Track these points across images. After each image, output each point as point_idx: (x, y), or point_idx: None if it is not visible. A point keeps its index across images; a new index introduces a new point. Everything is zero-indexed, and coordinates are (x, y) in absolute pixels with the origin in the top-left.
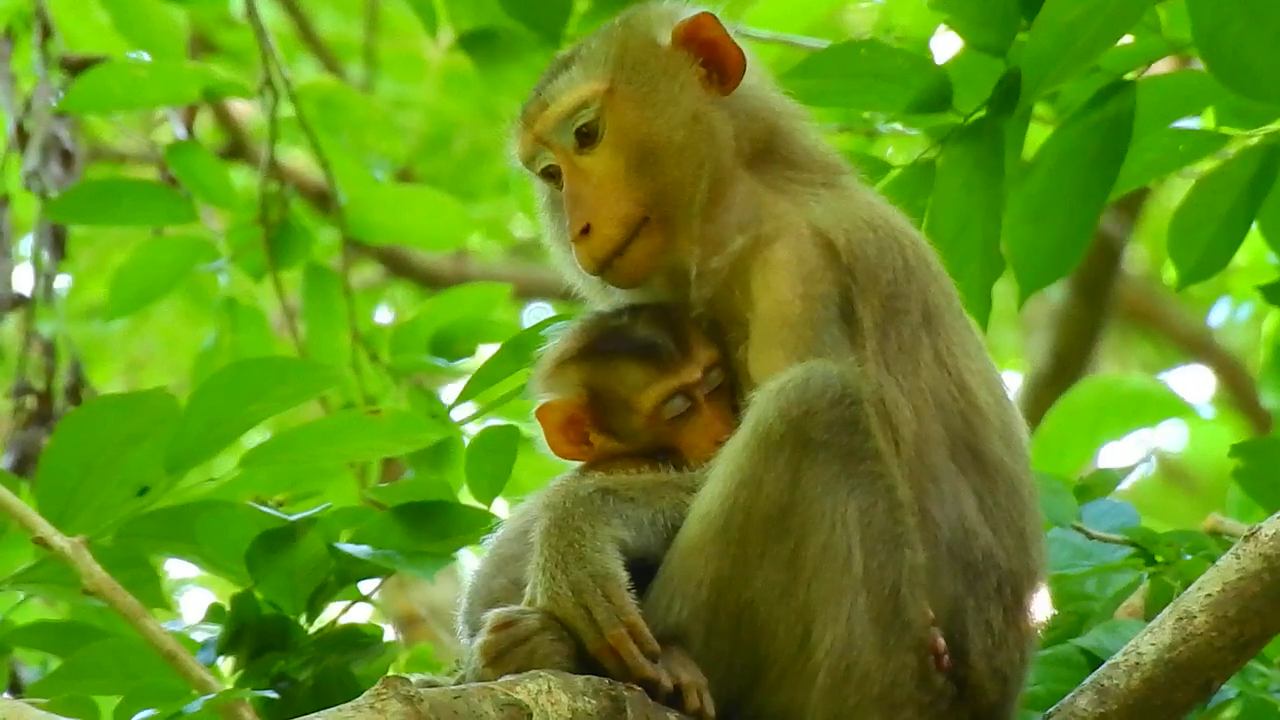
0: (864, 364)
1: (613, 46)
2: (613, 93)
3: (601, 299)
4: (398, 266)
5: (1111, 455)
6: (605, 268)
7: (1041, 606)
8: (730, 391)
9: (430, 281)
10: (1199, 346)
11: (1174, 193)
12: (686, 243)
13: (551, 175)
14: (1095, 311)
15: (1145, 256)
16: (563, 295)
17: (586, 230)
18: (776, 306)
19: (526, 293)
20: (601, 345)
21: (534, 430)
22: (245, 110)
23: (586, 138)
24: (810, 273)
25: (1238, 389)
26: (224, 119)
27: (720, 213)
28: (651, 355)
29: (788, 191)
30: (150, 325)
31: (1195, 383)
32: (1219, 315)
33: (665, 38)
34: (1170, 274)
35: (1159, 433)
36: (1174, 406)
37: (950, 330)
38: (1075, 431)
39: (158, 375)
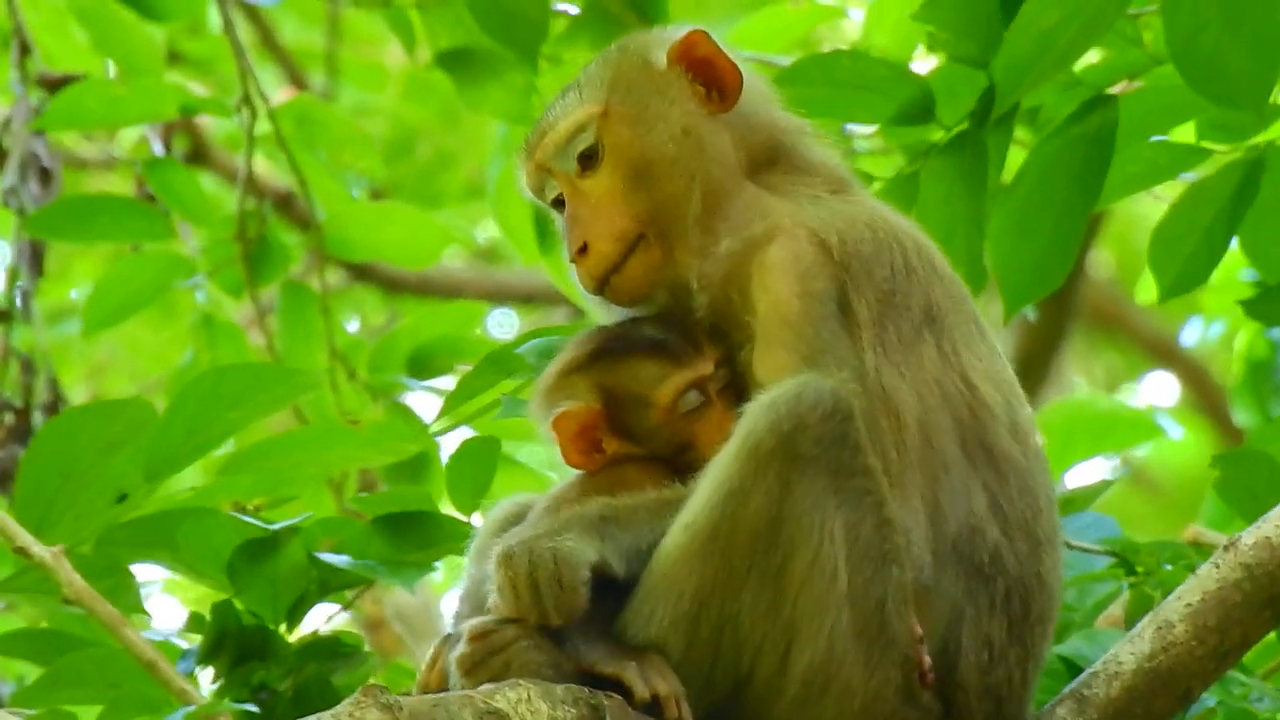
0: (862, 354)
1: (608, 70)
2: (608, 114)
3: (609, 317)
4: (362, 272)
5: (1080, 472)
6: (604, 285)
7: (1051, 620)
8: (736, 393)
9: (394, 286)
10: (1164, 353)
11: (1137, 199)
12: (685, 255)
13: (560, 204)
14: (1059, 315)
15: (1110, 262)
16: (525, 299)
17: (584, 250)
18: (775, 307)
19: (491, 297)
20: (613, 346)
21: (549, 441)
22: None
23: (588, 161)
24: (806, 270)
25: (1204, 395)
26: (187, 125)
27: (719, 224)
28: (665, 350)
29: (789, 195)
30: (112, 330)
31: (1161, 389)
32: (1191, 334)
33: (661, 59)
34: (1140, 286)
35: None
36: (1145, 429)
37: (955, 330)
38: (1047, 454)
39: (119, 380)
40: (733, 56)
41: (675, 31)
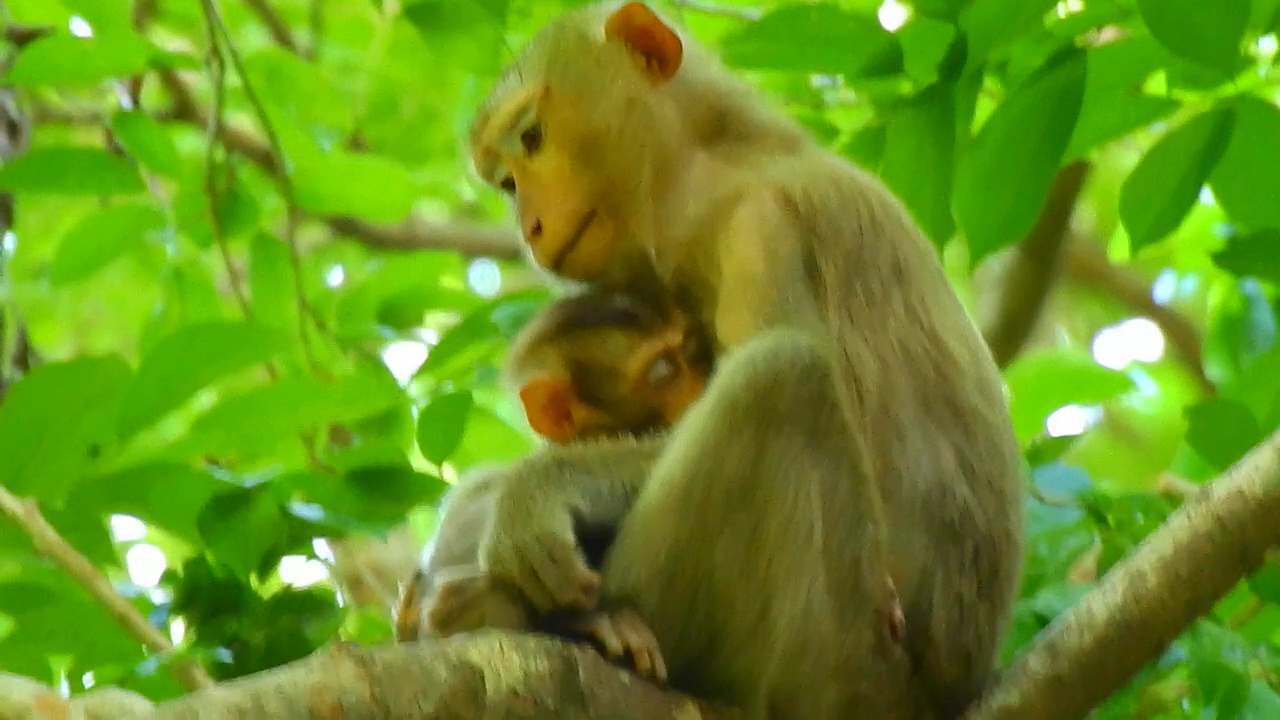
0: (826, 317)
1: (546, 49)
2: (549, 93)
3: (568, 290)
4: (345, 228)
5: (1054, 423)
6: (560, 263)
7: (1018, 577)
8: (707, 363)
9: (377, 242)
10: (1147, 306)
11: (1121, 153)
12: (639, 227)
13: (510, 185)
14: (1043, 271)
15: (1093, 216)
16: (508, 255)
17: (538, 229)
18: (741, 267)
19: (472, 253)
20: (582, 318)
21: (517, 411)
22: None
23: (532, 141)
24: (773, 232)
25: (1186, 347)
26: (170, 81)
27: (673, 192)
28: (634, 321)
29: (745, 162)
30: (97, 286)
31: (1144, 342)
32: (1164, 289)
33: (599, 33)
34: (1113, 244)
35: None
36: (1116, 383)
37: (923, 285)
38: (1019, 409)
39: (105, 336)
40: (671, 24)
41: (613, 4)
